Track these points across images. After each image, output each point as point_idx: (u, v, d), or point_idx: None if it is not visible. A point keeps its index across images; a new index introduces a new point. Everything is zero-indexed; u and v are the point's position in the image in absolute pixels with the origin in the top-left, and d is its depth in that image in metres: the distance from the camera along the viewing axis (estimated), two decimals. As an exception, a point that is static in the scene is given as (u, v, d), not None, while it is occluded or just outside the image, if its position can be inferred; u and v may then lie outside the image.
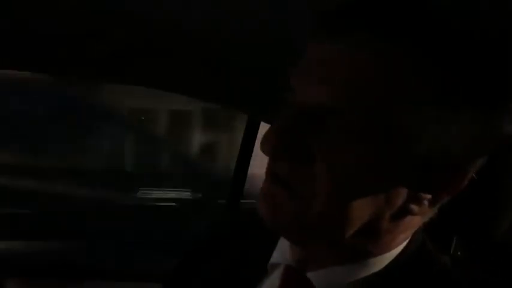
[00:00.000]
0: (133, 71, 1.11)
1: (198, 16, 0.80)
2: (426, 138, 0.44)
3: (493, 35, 0.46)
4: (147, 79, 1.16)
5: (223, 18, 0.79)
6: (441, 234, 0.95)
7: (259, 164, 0.66)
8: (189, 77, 1.12)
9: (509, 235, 0.93)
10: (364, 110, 0.43)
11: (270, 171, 0.48)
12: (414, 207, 0.47)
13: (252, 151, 1.56)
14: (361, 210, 0.45)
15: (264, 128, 1.45)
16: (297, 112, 0.46)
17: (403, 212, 0.47)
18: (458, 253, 0.94)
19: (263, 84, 1.06)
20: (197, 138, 2.54)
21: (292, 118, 0.46)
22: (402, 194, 0.46)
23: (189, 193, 2.08)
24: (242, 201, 1.60)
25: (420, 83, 0.43)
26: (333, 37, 0.45)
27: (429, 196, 0.47)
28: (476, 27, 0.45)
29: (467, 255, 0.94)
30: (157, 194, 2.06)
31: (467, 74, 0.44)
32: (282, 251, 0.54)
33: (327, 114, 0.44)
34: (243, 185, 1.59)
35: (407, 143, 0.44)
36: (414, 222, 0.49)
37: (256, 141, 1.53)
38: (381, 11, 0.44)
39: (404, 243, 0.50)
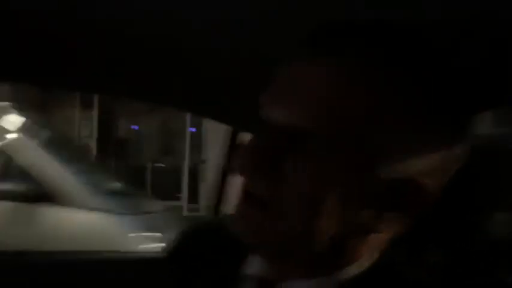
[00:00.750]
0: (119, 84, 1.11)
1: (182, 28, 0.81)
2: (396, 160, 0.45)
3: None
4: (130, 90, 1.16)
5: (206, 30, 0.80)
6: (419, 244, 0.97)
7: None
8: (171, 88, 1.12)
9: (489, 244, 0.95)
10: (335, 131, 0.44)
11: (245, 190, 0.49)
12: (381, 226, 0.48)
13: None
14: (330, 227, 0.46)
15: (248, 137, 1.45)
16: (271, 131, 0.47)
17: (368, 231, 0.48)
18: (434, 262, 0.95)
19: (244, 97, 1.06)
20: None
21: (266, 137, 0.47)
22: (369, 213, 0.47)
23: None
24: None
25: (392, 106, 0.45)
26: (307, 58, 0.46)
27: (393, 214, 0.48)
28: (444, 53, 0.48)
29: (446, 264, 0.95)
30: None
31: (438, 97, 0.46)
32: (255, 263, 0.55)
33: (299, 134, 0.45)
34: (225, 193, 1.60)
35: (376, 164, 0.45)
36: (379, 239, 0.50)
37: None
38: (356, 35, 0.46)
39: (369, 262, 0.51)
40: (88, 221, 3.35)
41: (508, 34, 0.58)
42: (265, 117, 0.48)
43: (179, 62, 0.97)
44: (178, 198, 8.09)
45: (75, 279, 1.43)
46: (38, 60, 0.96)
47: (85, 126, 8.53)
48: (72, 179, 3.55)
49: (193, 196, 7.98)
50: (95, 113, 8.53)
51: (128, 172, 8.05)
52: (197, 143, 8.20)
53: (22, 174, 3.46)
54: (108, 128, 8.83)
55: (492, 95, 0.80)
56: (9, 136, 3.63)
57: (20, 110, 4.05)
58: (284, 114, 0.46)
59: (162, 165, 8.80)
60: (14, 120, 3.79)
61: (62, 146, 4.20)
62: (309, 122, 0.45)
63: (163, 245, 2.56)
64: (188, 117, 7.97)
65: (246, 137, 1.42)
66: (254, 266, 0.55)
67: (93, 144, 8.47)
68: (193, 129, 8.31)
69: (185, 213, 7.68)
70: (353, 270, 0.50)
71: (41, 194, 3.38)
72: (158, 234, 3.31)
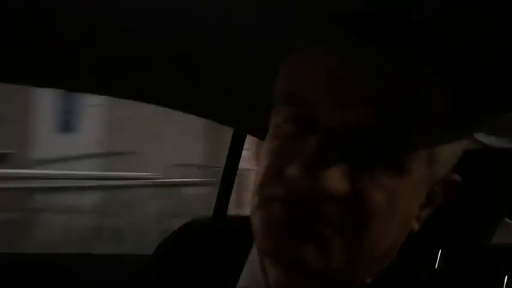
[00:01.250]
0: (118, 83, 1.10)
1: (182, 26, 0.80)
2: (436, 158, 0.43)
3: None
4: (131, 91, 1.15)
5: (207, 28, 0.79)
6: (426, 248, 0.95)
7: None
8: (174, 89, 1.12)
9: (493, 247, 0.94)
10: (396, 130, 0.40)
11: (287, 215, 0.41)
12: (416, 225, 0.46)
13: (238, 163, 1.55)
14: (384, 243, 0.43)
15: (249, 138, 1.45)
16: (324, 134, 0.41)
17: (404, 234, 0.46)
18: (443, 267, 0.94)
19: (249, 97, 1.05)
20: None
21: (318, 142, 0.40)
22: (414, 216, 0.45)
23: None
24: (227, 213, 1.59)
25: (437, 102, 0.42)
26: (357, 49, 0.41)
27: (429, 211, 0.46)
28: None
29: (452, 268, 0.94)
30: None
31: (473, 92, 0.44)
32: (253, 275, 0.51)
33: (376, 138, 0.40)
34: (228, 196, 1.59)
35: (422, 163, 0.42)
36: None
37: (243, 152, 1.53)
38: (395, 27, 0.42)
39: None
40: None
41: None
42: (308, 115, 0.41)
43: (183, 63, 0.96)
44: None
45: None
46: (34, 61, 0.95)
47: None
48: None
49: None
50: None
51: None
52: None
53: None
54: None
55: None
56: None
57: None
58: (357, 113, 0.40)
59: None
60: None
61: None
62: (373, 119, 0.39)
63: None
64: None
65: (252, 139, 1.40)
66: (248, 278, 0.51)
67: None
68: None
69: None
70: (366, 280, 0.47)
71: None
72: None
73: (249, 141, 1.46)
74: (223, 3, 0.65)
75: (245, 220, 0.53)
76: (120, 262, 1.48)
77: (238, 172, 1.56)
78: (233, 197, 1.57)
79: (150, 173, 6.56)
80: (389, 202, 0.40)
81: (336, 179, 0.38)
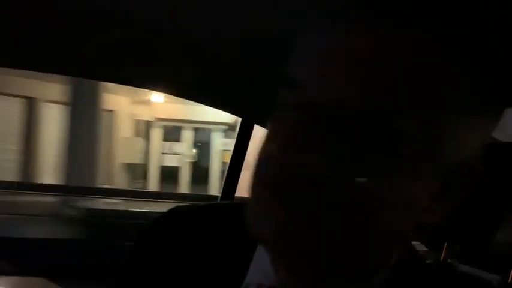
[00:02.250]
0: (126, 71, 1.10)
1: (189, 15, 0.80)
2: (447, 143, 0.40)
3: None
4: (140, 79, 1.15)
5: (215, 17, 0.79)
6: (433, 241, 0.96)
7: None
8: (182, 77, 1.12)
9: (501, 242, 0.93)
10: (393, 114, 0.38)
11: (280, 188, 0.40)
12: (428, 217, 0.43)
13: (245, 153, 1.56)
14: (380, 230, 0.40)
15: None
16: (317, 114, 0.39)
17: (415, 224, 0.43)
18: (448, 260, 0.94)
19: (256, 86, 1.05)
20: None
21: (311, 122, 0.39)
22: (420, 206, 0.42)
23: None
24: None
25: (448, 85, 0.39)
26: (357, 26, 0.39)
27: (441, 204, 0.43)
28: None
29: (458, 261, 0.94)
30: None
31: (486, 76, 0.41)
32: (262, 271, 0.49)
33: (358, 118, 0.38)
34: (235, 185, 1.59)
35: (431, 151, 0.40)
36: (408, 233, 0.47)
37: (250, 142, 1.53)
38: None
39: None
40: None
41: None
42: (306, 97, 0.40)
43: (190, 50, 0.96)
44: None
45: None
46: (43, 47, 0.96)
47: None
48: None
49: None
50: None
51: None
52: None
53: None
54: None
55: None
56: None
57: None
58: (342, 91, 0.38)
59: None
60: None
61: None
62: (370, 101, 0.37)
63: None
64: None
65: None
66: (260, 273, 0.49)
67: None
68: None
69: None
70: (380, 271, 0.45)
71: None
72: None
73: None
74: None
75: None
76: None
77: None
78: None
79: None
80: (376, 186, 0.38)
81: (311, 160, 0.38)
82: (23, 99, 8.24)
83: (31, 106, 8.32)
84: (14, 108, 8.22)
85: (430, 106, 0.38)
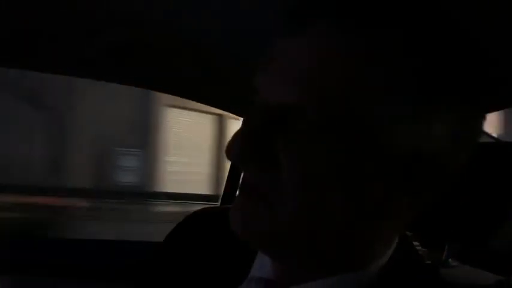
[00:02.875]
0: (128, 71, 1.11)
1: (192, 16, 0.80)
2: (401, 136, 0.41)
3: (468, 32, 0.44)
4: (144, 80, 1.16)
5: (217, 18, 0.79)
6: (433, 241, 0.95)
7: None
8: (185, 78, 1.12)
9: (502, 242, 0.93)
10: (330, 108, 0.40)
11: (242, 181, 0.46)
12: (394, 210, 0.44)
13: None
14: (333, 216, 0.43)
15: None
16: (260, 113, 0.43)
17: (382, 217, 0.44)
18: (449, 260, 0.94)
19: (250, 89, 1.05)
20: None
21: (256, 120, 0.43)
22: (380, 197, 0.43)
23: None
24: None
25: (392, 78, 0.41)
26: (293, 30, 0.42)
27: (409, 198, 0.44)
28: (452, 22, 0.43)
29: (460, 260, 0.94)
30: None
31: (445, 70, 0.42)
32: (262, 265, 0.51)
33: (290, 114, 0.42)
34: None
35: (378, 141, 0.41)
36: (395, 227, 0.47)
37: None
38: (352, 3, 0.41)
39: (389, 252, 0.48)
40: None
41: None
42: (256, 100, 0.44)
43: (193, 52, 0.96)
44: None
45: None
46: (47, 47, 0.97)
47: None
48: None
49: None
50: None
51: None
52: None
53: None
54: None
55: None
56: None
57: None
58: (274, 93, 0.42)
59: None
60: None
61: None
62: (297, 99, 0.41)
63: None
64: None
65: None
66: (261, 267, 0.51)
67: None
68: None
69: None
70: (373, 264, 0.46)
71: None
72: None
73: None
74: None
75: None
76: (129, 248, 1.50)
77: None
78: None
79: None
80: (313, 172, 0.41)
81: (258, 150, 0.42)
82: (214, 116, 9.34)
83: (220, 122, 9.40)
84: (206, 124, 9.40)
85: (370, 102, 0.40)
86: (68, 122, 8.25)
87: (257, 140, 0.42)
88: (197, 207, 0.69)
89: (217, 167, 9.30)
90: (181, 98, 1.16)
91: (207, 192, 8.88)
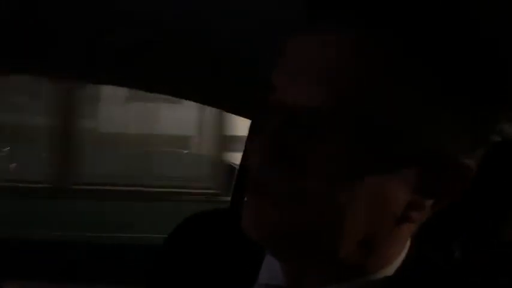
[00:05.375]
0: (134, 74, 1.10)
1: (197, 18, 0.80)
2: (425, 138, 0.41)
3: (489, 33, 0.44)
4: (149, 83, 1.15)
5: (223, 20, 0.79)
6: (442, 237, 0.95)
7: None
8: (189, 81, 1.12)
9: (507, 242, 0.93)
10: (353, 110, 0.40)
11: (256, 183, 0.44)
12: (414, 214, 0.43)
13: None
14: (356, 219, 0.42)
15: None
16: (281, 116, 0.42)
17: (402, 221, 0.44)
18: (455, 254, 0.93)
19: (262, 88, 1.05)
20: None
21: (279, 121, 0.42)
22: (401, 200, 0.43)
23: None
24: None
25: (414, 81, 0.41)
26: (317, 30, 0.42)
27: (431, 201, 0.43)
28: (474, 24, 0.42)
29: (469, 257, 0.93)
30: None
31: (466, 72, 0.42)
32: (271, 271, 0.50)
33: (313, 117, 0.41)
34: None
35: (403, 144, 0.41)
36: (410, 229, 0.46)
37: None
38: (370, 2, 0.41)
39: (403, 255, 0.47)
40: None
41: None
42: (275, 100, 0.43)
43: (201, 53, 0.96)
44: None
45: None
46: (53, 53, 0.96)
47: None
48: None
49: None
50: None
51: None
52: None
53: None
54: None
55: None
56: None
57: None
58: (293, 93, 0.41)
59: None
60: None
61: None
62: (320, 100, 0.40)
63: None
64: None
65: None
66: (270, 274, 0.50)
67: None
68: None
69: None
70: (385, 271, 0.46)
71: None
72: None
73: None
74: None
75: None
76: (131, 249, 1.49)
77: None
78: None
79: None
80: (335, 173, 0.41)
81: (282, 155, 0.41)
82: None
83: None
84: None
85: (397, 102, 0.40)
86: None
87: (282, 141, 0.41)
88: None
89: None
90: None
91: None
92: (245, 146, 1.51)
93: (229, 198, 1.49)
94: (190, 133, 12.13)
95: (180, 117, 11.43)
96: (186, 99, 1.21)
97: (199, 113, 11.41)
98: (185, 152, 11.36)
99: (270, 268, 0.50)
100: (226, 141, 10.01)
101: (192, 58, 0.97)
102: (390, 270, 0.46)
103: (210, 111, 9.76)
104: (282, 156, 0.41)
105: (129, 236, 5.25)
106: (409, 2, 0.41)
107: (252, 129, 1.50)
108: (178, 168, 9.43)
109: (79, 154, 8.10)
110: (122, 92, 10.02)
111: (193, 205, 4.78)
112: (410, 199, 0.43)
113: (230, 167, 1.78)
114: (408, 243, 0.48)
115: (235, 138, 8.68)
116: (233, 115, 1.37)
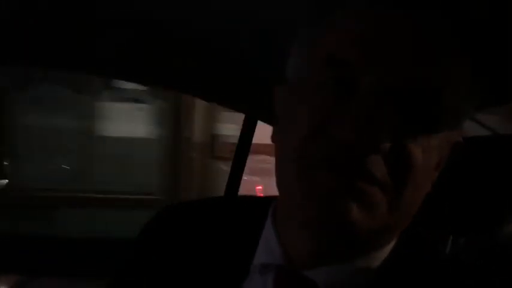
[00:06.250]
0: (134, 69, 1.11)
1: (196, 14, 0.80)
2: (463, 115, 0.46)
3: None
4: (148, 77, 1.15)
5: (221, 16, 0.79)
6: (437, 233, 0.95)
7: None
8: (186, 75, 1.12)
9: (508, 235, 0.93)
10: (451, 91, 0.42)
11: (362, 169, 0.41)
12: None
13: (249, 147, 1.56)
14: (416, 203, 0.46)
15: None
16: (371, 96, 0.41)
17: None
18: (453, 253, 0.94)
19: (260, 82, 1.05)
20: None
21: (376, 102, 0.41)
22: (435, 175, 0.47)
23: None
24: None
25: (464, 67, 0.44)
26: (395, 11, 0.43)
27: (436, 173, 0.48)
28: None
29: (463, 254, 0.94)
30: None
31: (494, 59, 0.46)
32: (269, 250, 0.50)
33: (409, 97, 0.41)
34: (239, 180, 1.59)
35: (454, 123, 0.45)
36: None
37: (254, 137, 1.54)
38: None
39: (394, 238, 0.50)
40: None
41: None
42: (365, 79, 0.41)
43: (194, 48, 0.96)
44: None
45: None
46: (56, 46, 0.96)
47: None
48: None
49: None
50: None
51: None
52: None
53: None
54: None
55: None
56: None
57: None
58: (407, 74, 0.41)
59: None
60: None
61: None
62: (432, 82, 0.41)
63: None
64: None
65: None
66: (267, 254, 0.50)
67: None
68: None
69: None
70: (386, 248, 0.48)
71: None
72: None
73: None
74: None
75: (252, 200, 0.57)
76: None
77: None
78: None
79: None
80: (424, 158, 0.42)
81: (383, 138, 0.40)
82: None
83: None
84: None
85: (458, 82, 0.43)
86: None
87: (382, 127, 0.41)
88: None
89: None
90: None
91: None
92: (243, 131, 1.50)
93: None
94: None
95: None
96: (184, 93, 1.21)
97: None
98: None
99: (267, 248, 0.50)
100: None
101: (188, 54, 0.98)
102: (387, 249, 0.48)
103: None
104: (386, 145, 0.41)
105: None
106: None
107: (246, 125, 1.50)
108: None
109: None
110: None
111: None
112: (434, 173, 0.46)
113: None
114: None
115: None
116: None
